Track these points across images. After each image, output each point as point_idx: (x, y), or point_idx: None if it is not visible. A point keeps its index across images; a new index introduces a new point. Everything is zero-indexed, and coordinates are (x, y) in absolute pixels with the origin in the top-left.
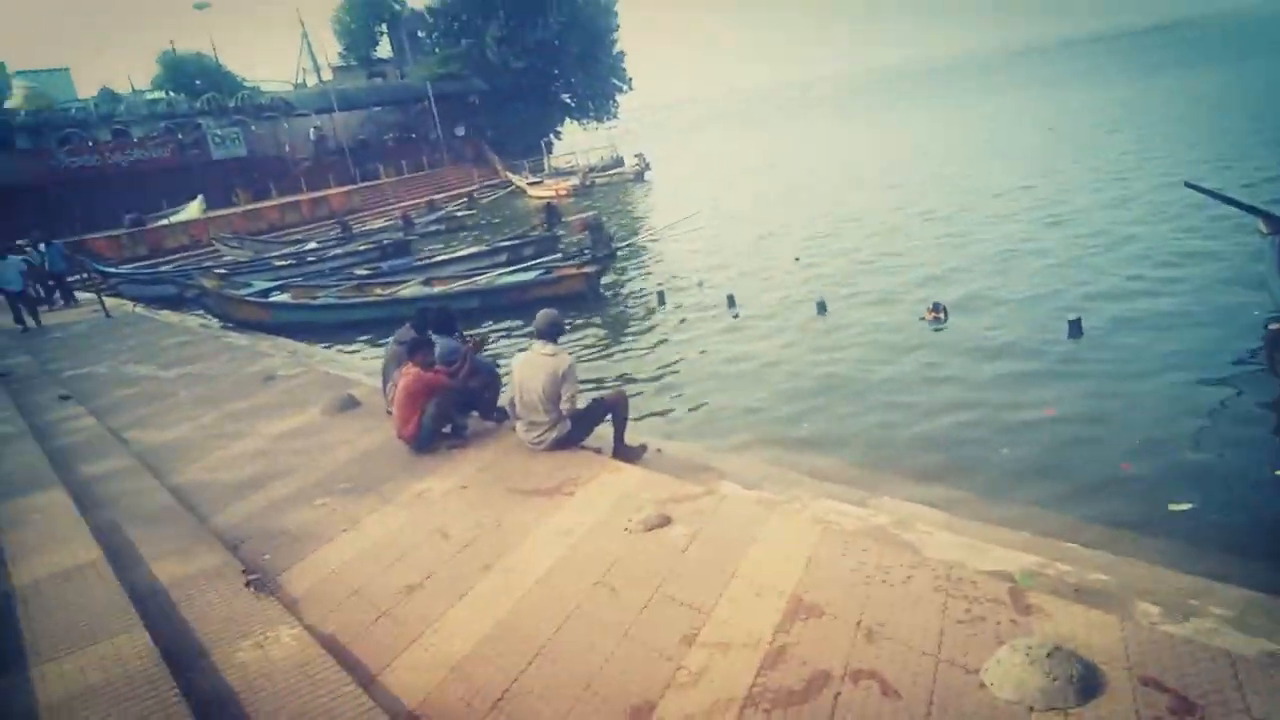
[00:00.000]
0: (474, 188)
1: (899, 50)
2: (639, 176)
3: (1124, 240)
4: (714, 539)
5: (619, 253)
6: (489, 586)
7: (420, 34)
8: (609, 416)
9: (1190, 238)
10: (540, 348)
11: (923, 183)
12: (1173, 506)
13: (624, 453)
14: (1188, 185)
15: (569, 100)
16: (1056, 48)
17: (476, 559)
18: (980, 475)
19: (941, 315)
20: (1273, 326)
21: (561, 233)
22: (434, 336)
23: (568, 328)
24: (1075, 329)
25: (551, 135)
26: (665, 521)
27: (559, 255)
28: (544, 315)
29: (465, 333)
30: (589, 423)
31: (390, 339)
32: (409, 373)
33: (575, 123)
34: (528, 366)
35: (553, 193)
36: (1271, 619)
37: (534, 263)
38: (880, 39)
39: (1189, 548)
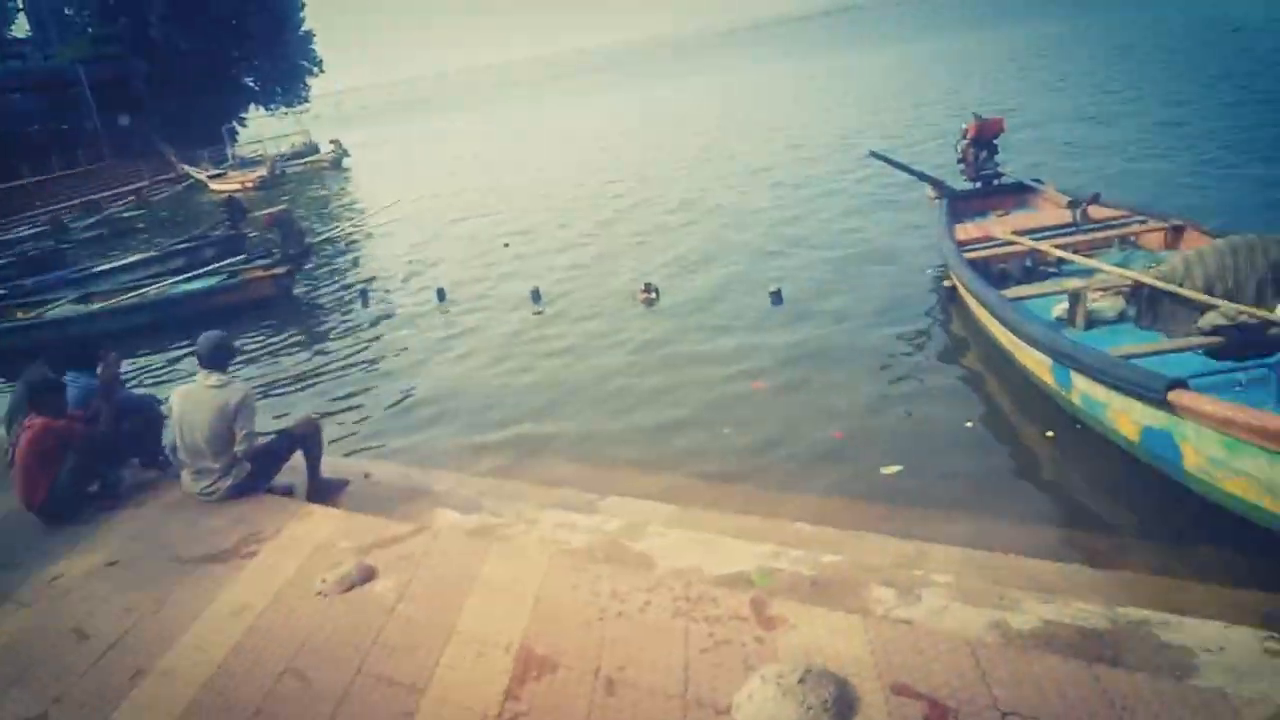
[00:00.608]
0: (143, 184)
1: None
2: (335, 164)
3: (816, 206)
4: (427, 589)
5: (314, 250)
6: (141, 699)
7: (68, 11)
8: (300, 450)
9: (875, 204)
10: (205, 378)
11: (637, 161)
12: (884, 470)
13: (322, 491)
14: (871, 154)
15: (253, 84)
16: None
17: (124, 664)
18: (706, 459)
19: (653, 294)
20: (946, 283)
21: (248, 231)
22: (70, 375)
23: (254, 341)
24: (777, 299)
25: (235, 123)
26: (368, 575)
27: (244, 256)
28: (207, 339)
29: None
30: (274, 461)
31: (20, 379)
32: (34, 425)
33: (263, 108)
34: (189, 402)
35: (238, 186)
36: (984, 577)
37: (215, 267)
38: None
39: (905, 510)
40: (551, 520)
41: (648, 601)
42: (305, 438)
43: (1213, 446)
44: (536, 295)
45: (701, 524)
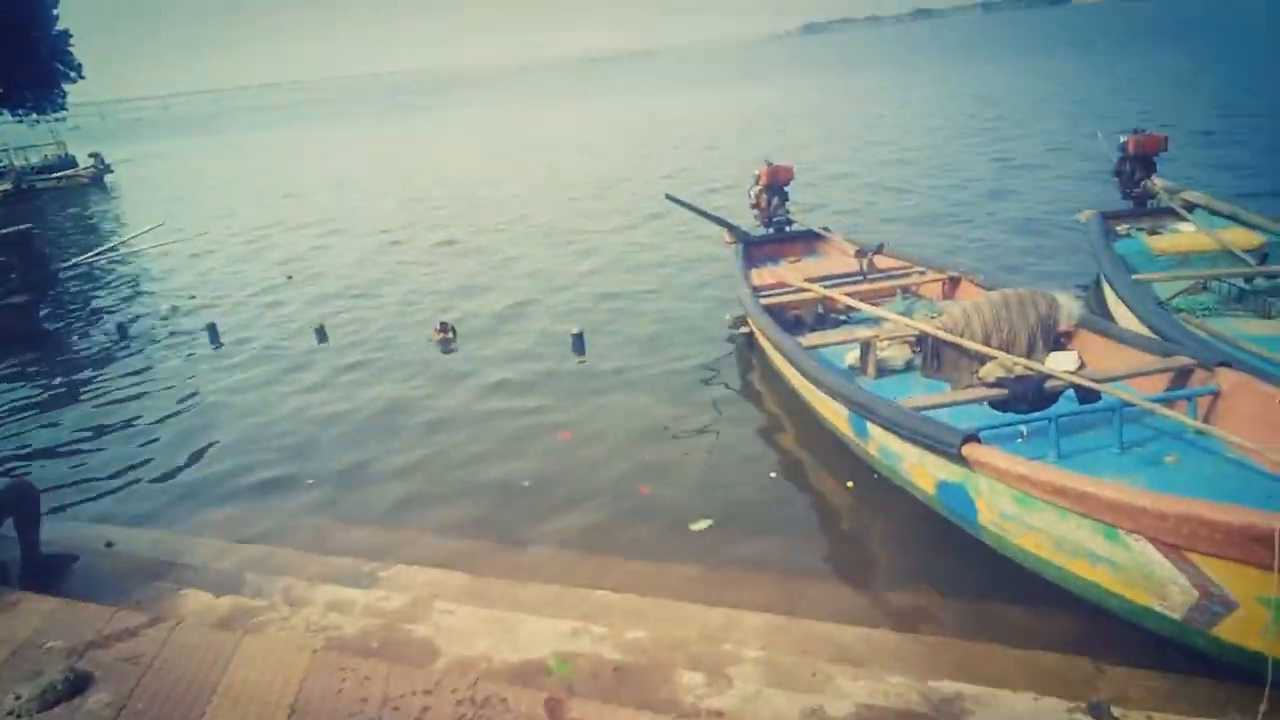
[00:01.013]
0: None
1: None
2: (96, 180)
3: (627, 250)
4: (154, 701)
5: (63, 276)
6: None
7: None
8: (10, 519)
9: (681, 245)
10: None
11: (450, 191)
12: (693, 526)
13: (40, 570)
14: (668, 198)
15: None
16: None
17: None
18: (503, 518)
19: (450, 335)
20: (743, 329)
21: None
22: None
23: None
24: (578, 344)
25: None
26: (79, 686)
27: None
28: None
29: None
30: None
31: None
32: None
33: (9, 114)
34: None
35: None
36: (793, 648)
37: None
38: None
39: (714, 571)
40: (324, 599)
41: (426, 708)
42: (17, 503)
43: (1005, 502)
44: (321, 334)
45: (495, 596)
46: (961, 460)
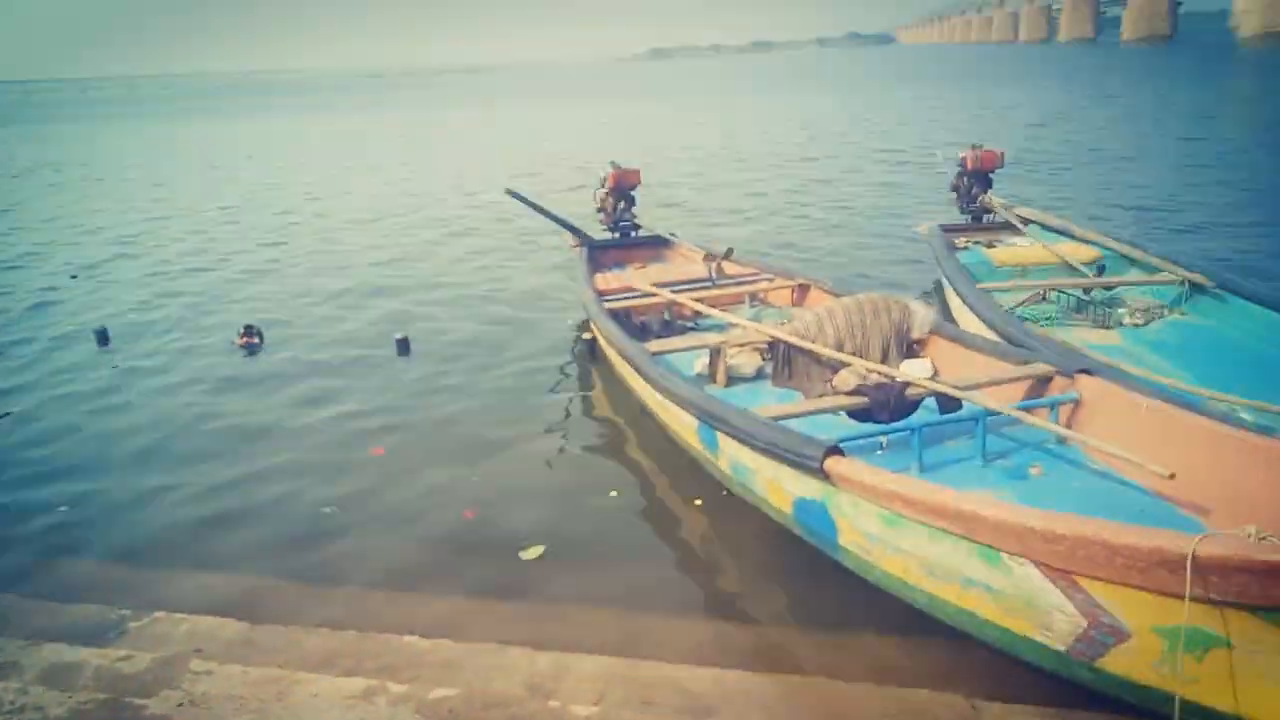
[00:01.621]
0: None
1: None
2: None
3: (465, 253)
4: None
5: None
6: None
7: None
8: None
9: (522, 249)
10: None
11: (261, 186)
12: (524, 554)
13: None
14: (509, 194)
15: None
16: None
17: None
18: (297, 549)
19: (257, 339)
20: (586, 335)
21: None
22: None
23: None
24: (404, 348)
25: None
26: None
27: None
28: None
29: None
30: None
31: None
32: None
33: None
34: None
35: None
36: (632, 698)
37: None
38: None
39: (544, 608)
40: (39, 665)
41: None
42: None
43: (871, 522)
44: (103, 336)
45: (274, 648)
46: (823, 476)
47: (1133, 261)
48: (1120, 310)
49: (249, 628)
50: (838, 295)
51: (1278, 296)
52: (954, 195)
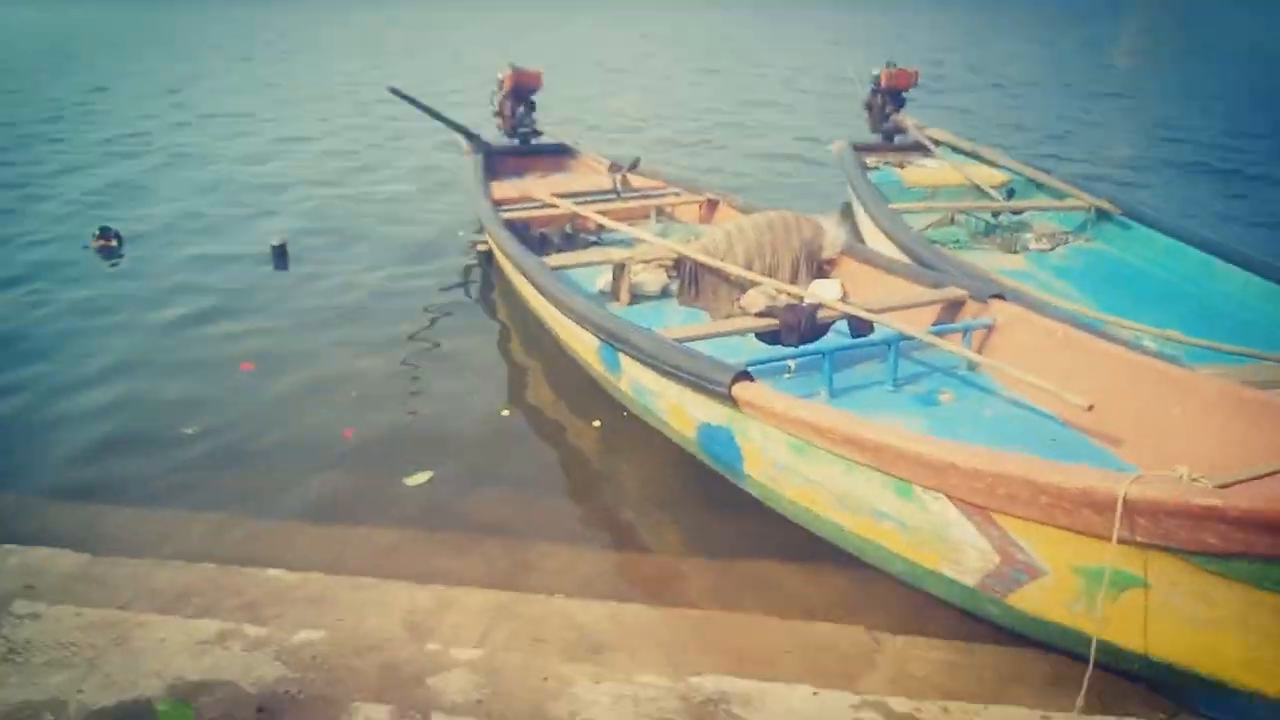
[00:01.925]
0: None
1: None
2: None
3: (350, 153)
4: None
5: None
6: None
7: None
8: None
9: (399, 153)
10: None
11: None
12: (409, 480)
13: None
14: (392, 91)
15: None
16: None
17: None
18: (150, 474)
19: (114, 242)
20: (481, 247)
21: None
22: None
23: None
24: (280, 257)
25: None
26: None
27: None
28: None
29: None
30: None
31: None
32: None
33: None
34: None
35: None
36: (519, 635)
37: None
38: None
39: (429, 537)
40: None
41: None
42: None
43: (780, 450)
44: None
45: (116, 583)
46: (731, 401)
47: (1040, 187)
48: (1027, 235)
49: (89, 561)
50: (747, 212)
51: (1181, 224)
52: (867, 114)
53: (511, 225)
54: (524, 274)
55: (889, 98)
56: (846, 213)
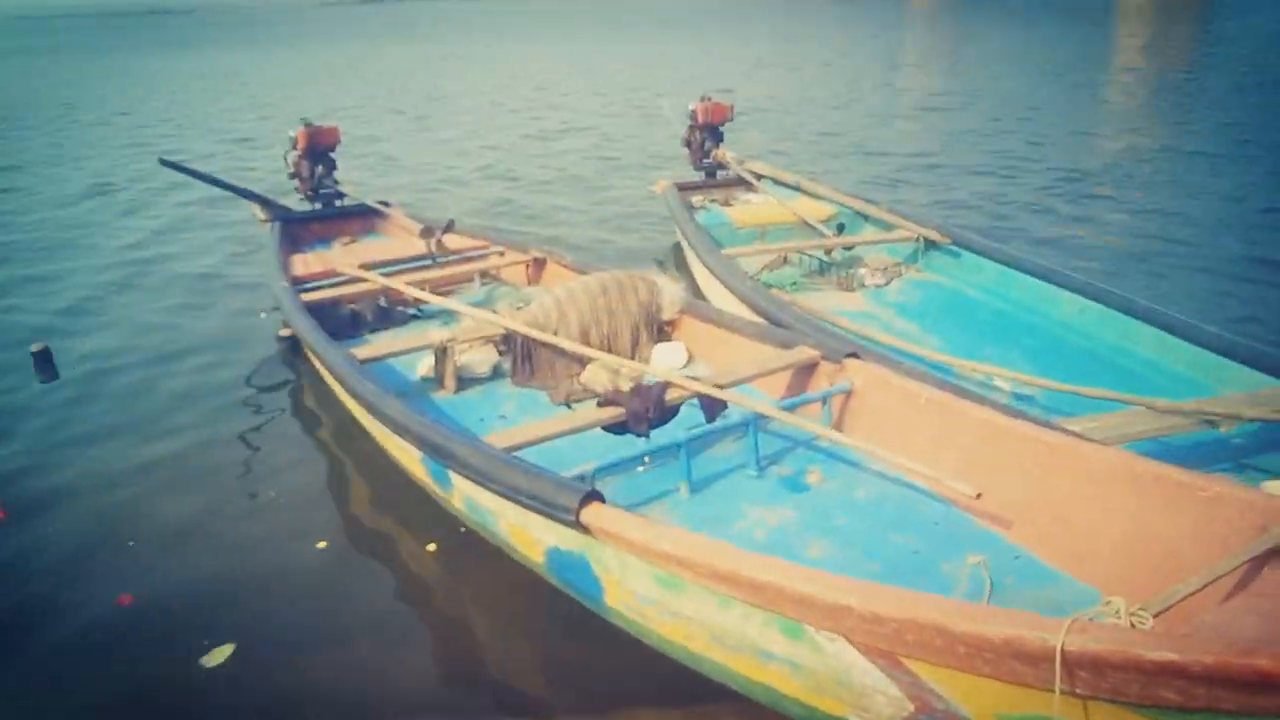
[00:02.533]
0: None
1: None
2: None
3: (132, 239)
4: None
5: None
6: None
7: None
8: None
9: (174, 231)
10: None
11: None
12: (206, 660)
13: None
14: (162, 162)
15: None
16: None
17: None
18: None
19: None
20: (283, 332)
21: None
22: None
23: None
24: (45, 366)
25: None
26: None
27: None
28: None
29: None
30: None
31: None
32: None
33: None
34: None
35: None
36: None
37: None
38: None
39: None
40: None
41: None
42: None
43: (643, 582)
44: None
45: None
46: (581, 528)
47: (867, 218)
48: (861, 270)
49: None
50: (578, 271)
51: (1008, 251)
52: (687, 150)
53: (316, 308)
54: (330, 372)
55: (707, 133)
56: (677, 255)
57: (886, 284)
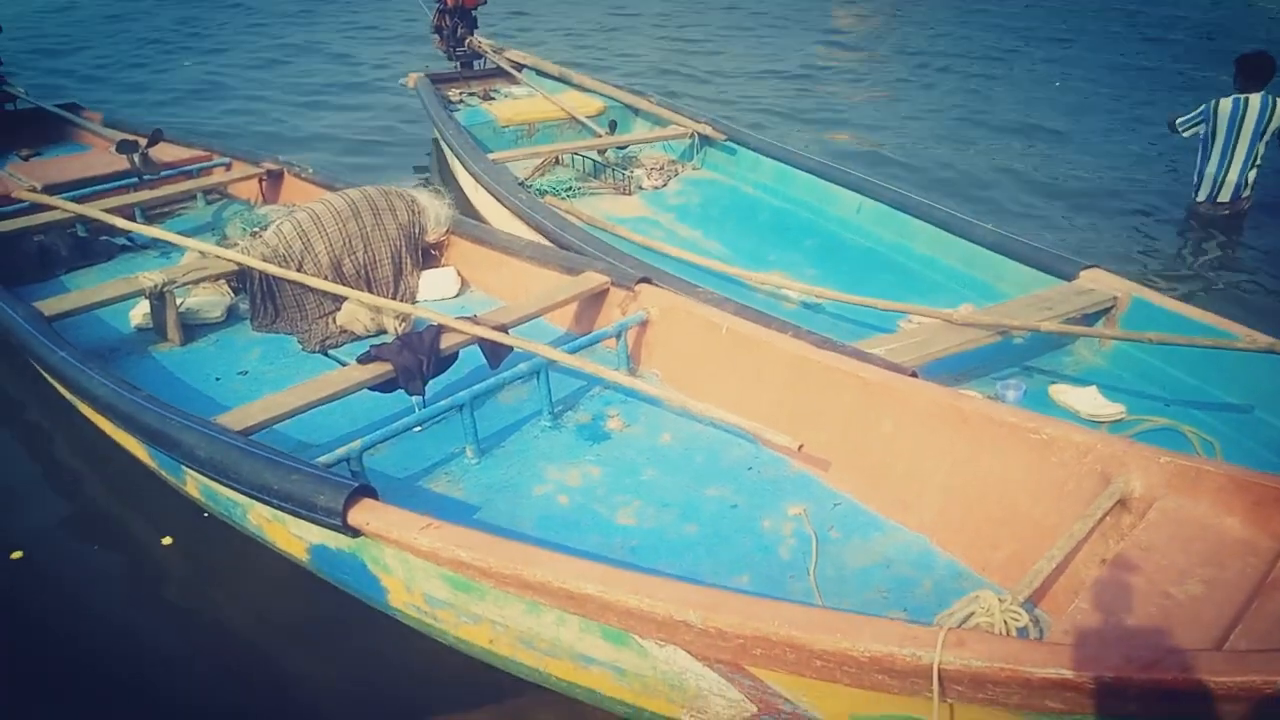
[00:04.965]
0: None
1: None
2: None
3: None
4: None
5: None
6: None
7: None
8: None
9: None
10: None
11: None
12: None
13: None
14: None
15: None
16: None
17: None
18: None
19: None
20: None
21: None
22: None
23: None
24: None
25: None
26: None
27: None
28: None
29: None
30: None
31: None
32: None
33: None
34: None
35: None
36: None
37: None
38: None
39: None
40: None
41: None
42: None
43: (433, 584)
44: None
45: None
46: (351, 533)
47: (639, 113)
48: (638, 171)
49: None
50: (322, 186)
51: (783, 148)
52: (437, 38)
53: None
54: (10, 335)
55: (460, 17)
56: (436, 157)
57: (664, 185)
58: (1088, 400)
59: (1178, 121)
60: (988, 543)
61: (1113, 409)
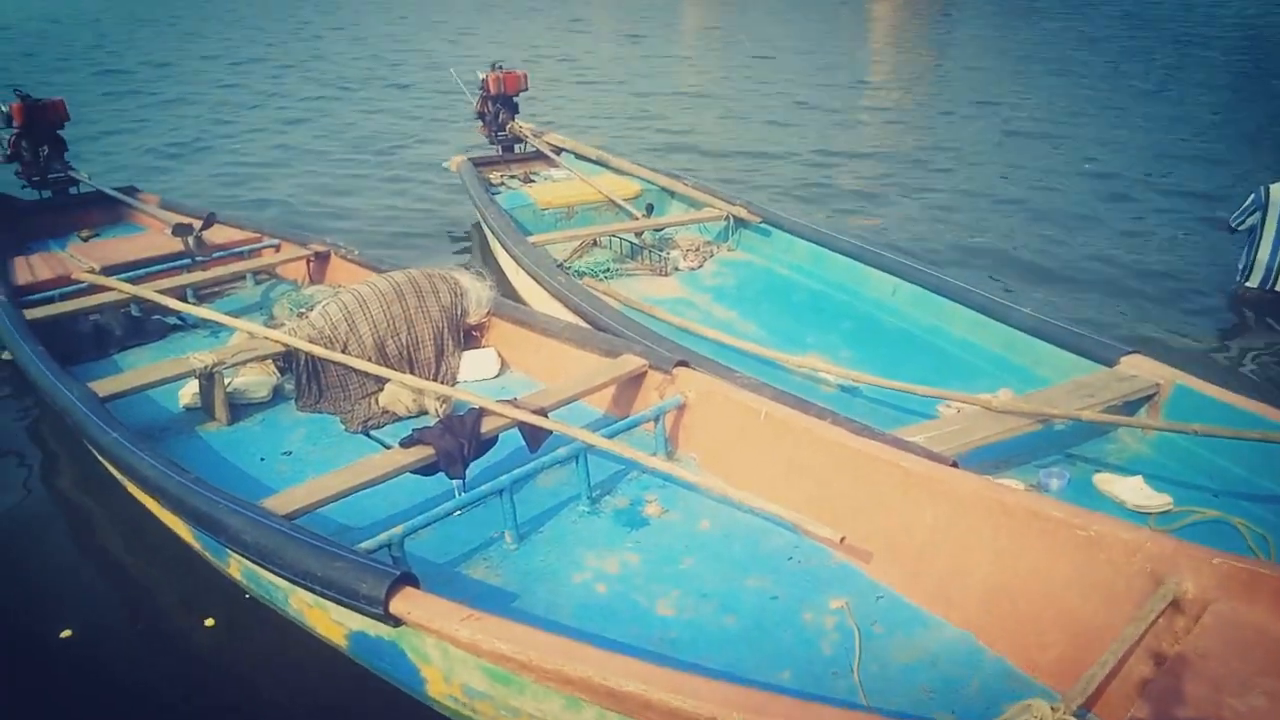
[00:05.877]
0: None
1: None
2: None
3: None
4: None
5: None
6: None
7: None
8: None
9: None
10: None
11: None
12: None
13: None
14: None
15: None
16: None
17: None
18: None
19: None
20: (5, 356)
21: None
22: None
23: None
24: None
25: None
26: None
27: None
28: None
29: None
30: None
31: None
32: None
33: None
34: None
35: None
36: None
37: None
38: None
39: None
40: None
41: None
42: None
43: (473, 675)
44: None
45: None
46: (393, 622)
47: (674, 195)
48: (674, 253)
49: None
50: (367, 268)
51: (815, 229)
52: (480, 123)
53: (47, 326)
54: (65, 416)
55: (501, 104)
56: (477, 237)
57: (700, 266)
58: (1133, 490)
59: (1231, 219)
60: (1035, 642)
61: (1159, 500)
